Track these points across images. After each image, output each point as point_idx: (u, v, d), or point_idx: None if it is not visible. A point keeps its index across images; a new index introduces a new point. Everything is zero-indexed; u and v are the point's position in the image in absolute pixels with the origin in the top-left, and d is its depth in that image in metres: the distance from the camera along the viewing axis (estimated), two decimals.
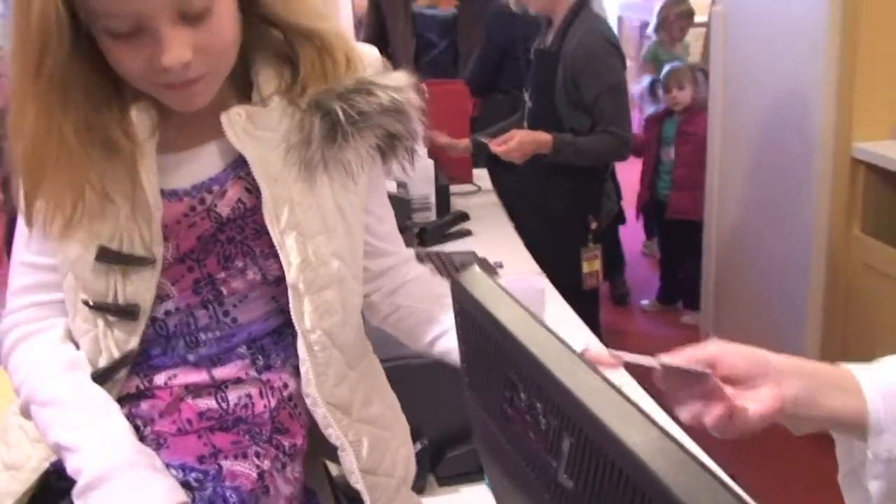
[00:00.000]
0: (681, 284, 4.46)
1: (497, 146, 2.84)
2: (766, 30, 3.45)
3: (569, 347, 0.72)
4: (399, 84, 1.08)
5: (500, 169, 3.16)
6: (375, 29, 4.04)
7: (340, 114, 1.04)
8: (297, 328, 1.07)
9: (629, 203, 4.95)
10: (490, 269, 2.27)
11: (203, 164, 1.06)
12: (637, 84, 5.01)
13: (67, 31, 0.92)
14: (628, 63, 6.16)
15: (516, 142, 2.81)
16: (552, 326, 0.75)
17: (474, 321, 0.82)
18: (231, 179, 1.06)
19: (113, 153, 1.01)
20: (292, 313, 1.06)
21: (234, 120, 1.03)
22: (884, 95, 3.10)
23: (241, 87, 1.07)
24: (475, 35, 3.72)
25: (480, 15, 3.81)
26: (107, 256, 1.03)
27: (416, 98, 1.09)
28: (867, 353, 1.02)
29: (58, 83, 0.95)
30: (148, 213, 1.02)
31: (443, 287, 1.25)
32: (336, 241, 1.08)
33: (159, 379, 1.08)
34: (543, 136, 2.80)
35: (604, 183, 3.05)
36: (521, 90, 3.17)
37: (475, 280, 0.82)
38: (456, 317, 0.87)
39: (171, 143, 1.05)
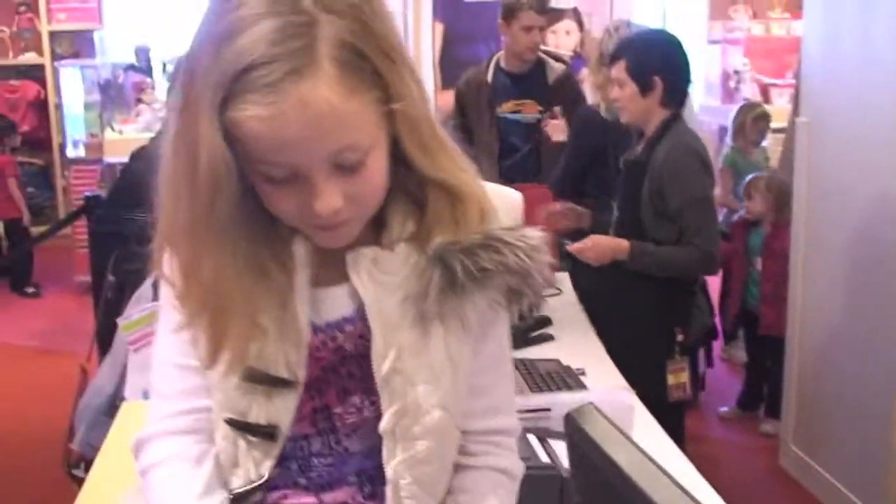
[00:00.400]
0: (764, 392, 4.36)
1: (574, 247, 2.83)
2: (854, 140, 3.40)
3: (688, 494, 0.68)
4: (530, 243, 1.07)
5: (580, 273, 3.12)
6: (460, 131, 4.08)
7: (460, 270, 1.04)
8: (385, 473, 1.07)
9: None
10: (574, 377, 2.22)
11: (340, 303, 1.08)
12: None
13: (235, 176, 0.96)
14: None
15: (592, 242, 2.82)
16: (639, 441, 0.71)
17: (589, 460, 0.79)
18: (359, 319, 1.08)
19: (267, 281, 1.05)
20: (383, 457, 1.07)
21: (360, 261, 1.06)
22: None
23: (374, 225, 1.08)
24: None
25: (567, 121, 3.83)
26: (253, 376, 1.05)
27: (545, 257, 1.08)
28: None
29: (229, 226, 0.99)
30: (297, 338, 1.06)
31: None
32: (442, 392, 1.07)
33: (271, 497, 1.09)
34: (622, 243, 2.79)
35: (692, 295, 2.97)
36: (608, 197, 3.14)
37: (590, 418, 0.79)
38: (569, 452, 0.84)
39: (316, 277, 1.08)
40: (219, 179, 0.94)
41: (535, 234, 1.09)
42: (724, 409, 4.48)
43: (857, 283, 3.42)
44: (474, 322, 1.07)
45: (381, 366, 1.05)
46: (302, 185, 0.96)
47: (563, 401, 1.63)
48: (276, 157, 0.94)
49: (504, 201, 1.11)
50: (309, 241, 1.06)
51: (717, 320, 5.01)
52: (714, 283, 4.82)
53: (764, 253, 4.19)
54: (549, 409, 1.58)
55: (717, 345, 5.11)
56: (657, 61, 2.83)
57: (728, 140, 5.33)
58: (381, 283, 1.05)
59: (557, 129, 3.78)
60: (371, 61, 0.94)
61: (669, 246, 2.81)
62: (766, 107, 6.81)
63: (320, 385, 1.09)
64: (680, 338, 2.87)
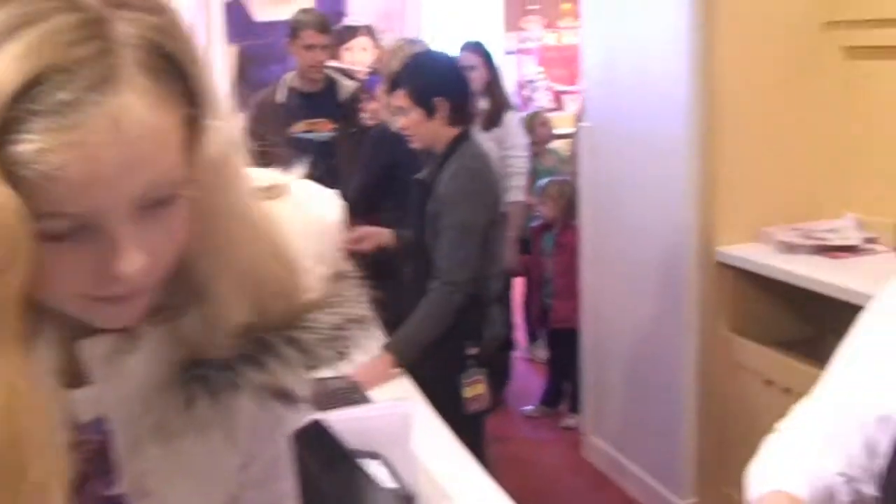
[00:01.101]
0: (565, 388, 4.54)
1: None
2: (631, 143, 3.59)
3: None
4: (315, 336, 0.86)
5: (379, 284, 3.15)
6: (254, 153, 4.05)
7: (213, 383, 0.84)
8: None
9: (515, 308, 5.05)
10: (360, 393, 2.26)
11: (80, 407, 0.84)
12: None
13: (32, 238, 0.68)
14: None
15: (361, 374, 2.51)
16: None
17: (311, 474, 0.81)
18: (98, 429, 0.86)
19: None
20: None
21: (96, 351, 0.82)
22: (743, 202, 3.26)
23: None
24: (354, 157, 3.75)
25: (359, 137, 3.85)
26: None
27: (346, 333, 0.88)
28: (742, 448, 1.07)
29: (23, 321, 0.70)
30: None
31: None
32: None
33: None
34: (385, 360, 2.61)
35: (484, 308, 2.93)
36: (404, 214, 3.15)
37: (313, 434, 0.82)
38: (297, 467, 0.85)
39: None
40: (13, 245, 0.66)
41: (329, 317, 0.88)
42: (529, 407, 4.64)
43: (639, 275, 3.62)
44: (243, 428, 0.89)
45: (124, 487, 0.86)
46: (91, 240, 0.70)
47: (345, 417, 1.67)
48: (73, 203, 0.67)
49: (315, 231, 0.93)
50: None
51: (523, 323, 5.20)
52: (519, 287, 4.99)
53: (554, 250, 4.39)
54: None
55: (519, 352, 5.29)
56: (436, 83, 2.86)
57: None
58: (121, 381, 0.83)
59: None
60: (181, 68, 0.72)
61: (418, 311, 2.76)
62: (560, 113, 7.13)
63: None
64: (472, 351, 2.85)
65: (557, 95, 7.92)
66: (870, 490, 1.06)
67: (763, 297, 3.22)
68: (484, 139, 4.43)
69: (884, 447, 1.01)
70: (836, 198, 3.33)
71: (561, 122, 6.20)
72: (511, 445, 4.30)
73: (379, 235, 3.19)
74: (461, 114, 2.90)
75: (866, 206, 3.23)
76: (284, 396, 0.87)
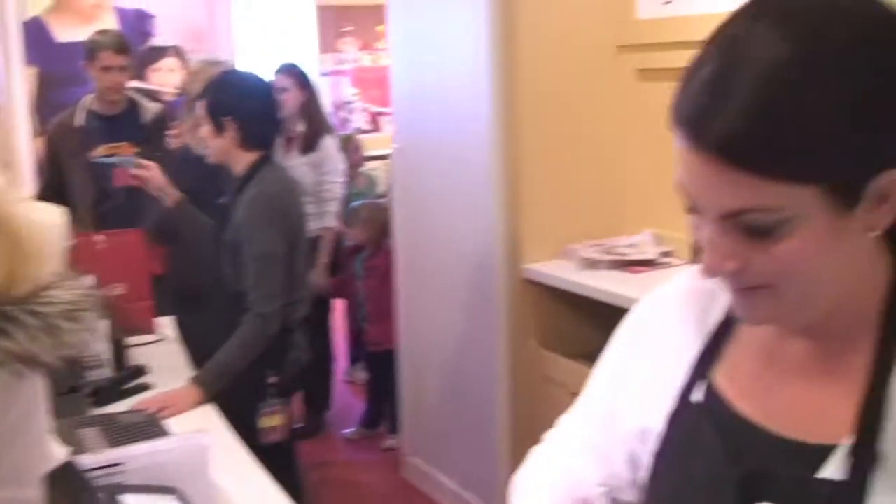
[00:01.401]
0: (384, 409, 4.54)
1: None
2: (439, 165, 3.64)
3: None
4: (55, 309, 1.07)
5: (186, 316, 3.08)
6: (54, 177, 3.90)
7: None
8: None
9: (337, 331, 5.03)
10: (158, 426, 2.19)
11: None
12: None
13: None
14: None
15: (165, 403, 2.46)
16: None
17: None
18: None
19: None
20: None
21: None
22: (547, 220, 3.36)
23: None
24: None
25: (164, 161, 3.75)
26: None
27: (81, 316, 1.10)
28: None
29: None
30: None
31: None
32: None
33: None
34: (192, 392, 2.54)
35: (288, 334, 2.88)
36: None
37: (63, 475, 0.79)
38: None
39: None
40: None
41: (65, 294, 1.06)
42: (349, 430, 4.62)
43: (452, 294, 3.66)
44: None
45: None
46: None
47: (138, 452, 1.61)
48: None
49: (45, 232, 1.10)
50: None
51: (344, 346, 5.18)
52: (339, 310, 4.96)
53: (365, 274, 4.38)
54: (121, 464, 1.55)
55: (341, 370, 5.27)
56: (230, 103, 2.81)
57: None
58: None
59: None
60: None
61: (230, 342, 2.71)
62: (378, 134, 7.15)
63: None
64: (272, 380, 2.81)
65: (374, 117, 7.94)
66: (629, 497, 1.10)
67: (569, 312, 3.33)
68: (300, 163, 4.40)
69: (645, 460, 1.05)
70: (635, 214, 3.47)
71: (379, 144, 6.21)
72: (333, 469, 4.27)
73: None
74: (255, 137, 2.83)
75: (663, 221, 3.38)
76: (30, 362, 1.03)
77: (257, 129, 2.84)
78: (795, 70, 0.77)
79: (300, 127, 4.52)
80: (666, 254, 3.22)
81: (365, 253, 4.40)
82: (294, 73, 4.65)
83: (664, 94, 3.30)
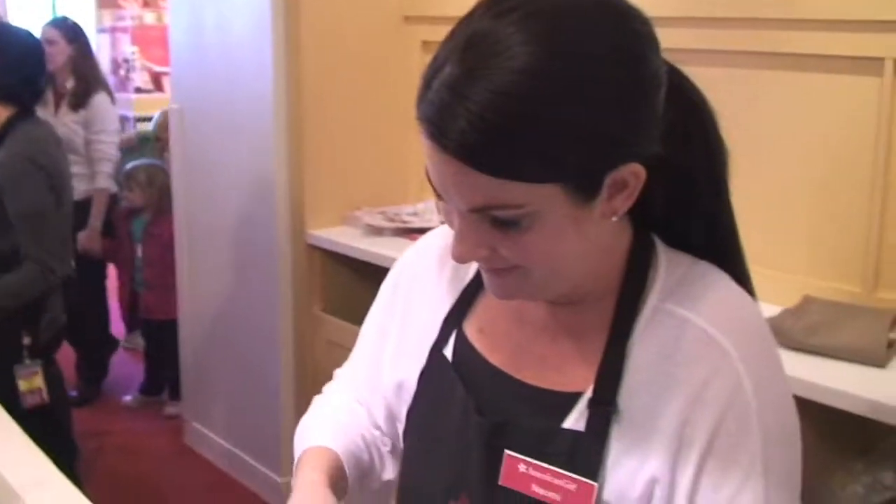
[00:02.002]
0: (165, 376, 4.45)
1: None
2: (221, 128, 3.58)
3: None
4: None
5: None
6: None
7: None
8: None
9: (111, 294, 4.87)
10: None
11: None
12: None
13: None
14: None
15: None
16: None
17: None
18: None
19: None
20: None
21: None
22: (330, 187, 3.38)
23: None
24: None
25: None
26: None
27: None
28: None
29: None
30: None
31: None
32: None
33: None
34: None
35: (44, 295, 2.79)
36: None
37: None
38: None
39: None
40: None
41: None
42: (128, 397, 4.50)
43: (235, 261, 3.63)
44: None
45: None
46: None
47: None
48: None
49: None
50: None
51: (119, 310, 5.03)
52: (112, 274, 4.81)
53: (144, 240, 4.26)
54: None
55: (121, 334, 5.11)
56: None
57: None
58: None
59: None
60: None
61: (7, 274, 2.65)
62: (160, 94, 6.91)
63: None
64: (27, 341, 2.72)
65: (156, 76, 7.68)
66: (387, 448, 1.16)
67: (353, 278, 3.37)
68: (70, 121, 4.22)
69: (402, 415, 1.10)
70: (417, 183, 3.55)
71: (160, 104, 6.01)
72: (112, 437, 4.16)
73: None
74: (6, 91, 2.70)
75: None
76: None
77: (8, 83, 2.70)
78: (532, 81, 0.79)
79: (69, 83, 4.32)
80: None
81: (145, 217, 4.27)
82: (63, 27, 4.43)
83: None
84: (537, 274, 0.90)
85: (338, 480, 1.08)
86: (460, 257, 0.90)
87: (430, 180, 0.88)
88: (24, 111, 2.74)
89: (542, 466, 0.93)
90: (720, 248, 0.99)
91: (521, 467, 0.94)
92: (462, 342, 1.05)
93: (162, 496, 3.67)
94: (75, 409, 3.84)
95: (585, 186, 0.85)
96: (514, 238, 0.86)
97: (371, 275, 3.28)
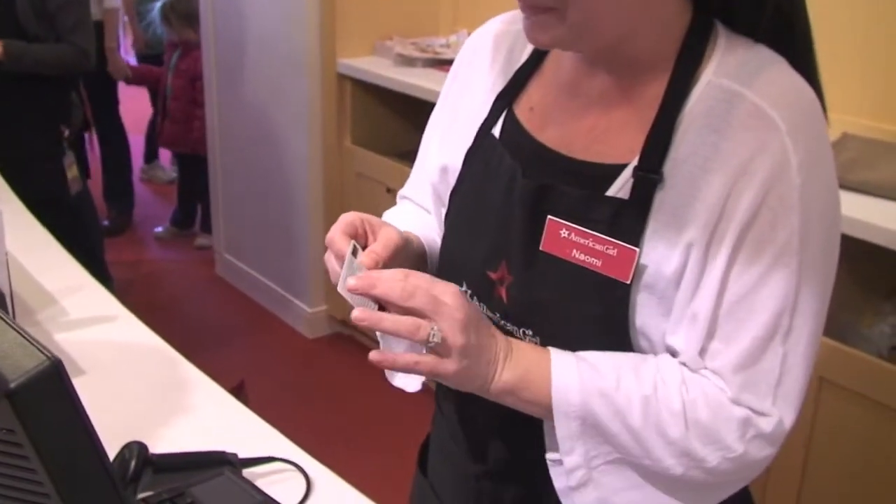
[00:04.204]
0: (196, 209, 4.49)
1: None
2: None
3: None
4: None
5: None
6: None
7: None
8: None
9: (139, 128, 4.86)
10: None
11: None
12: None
13: None
14: None
15: None
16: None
17: None
18: None
19: None
20: None
21: None
22: (362, 15, 3.30)
23: None
24: None
25: None
26: None
27: None
28: None
29: None
30: None
31: None
32: None
33: None
34: None
35: (70, 91, 3.07)
36: None
37: None
38: None
39: None
40: None
41: None
42: (159, 229, 4.56)
43: (264, 91, 3.59)
44: None
45: None
46: None
47: None
48: None
49: None
50: None
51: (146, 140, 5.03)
52: (138, 104, 4.77)
53: (174, 73, 4.23)
54: None
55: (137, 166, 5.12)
56: None
57: None
58: None
59: None
60: None
61: (45, 45, 2.85)
62: None
63: None
64: (66, 133, 2.98)
65: None
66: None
67: (382, 109, 3.34)
68: None
69: (445, 197, 1.11)
70: (450, 14, 3.47)
71: None
72: (144, 267, 4.23)
73: None
74: None
75: (477, 22, 3.37)
76: None
77: None
78: None
79: None
80: None
81: (178, 51, 4.22)
82: None
83: None
84: (571, 15, 0.89)
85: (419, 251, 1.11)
86: None
87: None
88: None
89: (583, 231, 0.93)
90: (784, 28, 0.97)
91: (563, 232, 0.95)
92: (511, 121, 1.04)
93: (195, 324, 3.76)
94: (107, 239, 3.91)
95: None
96: None
97: (401, 106, 3.25)
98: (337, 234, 0.98)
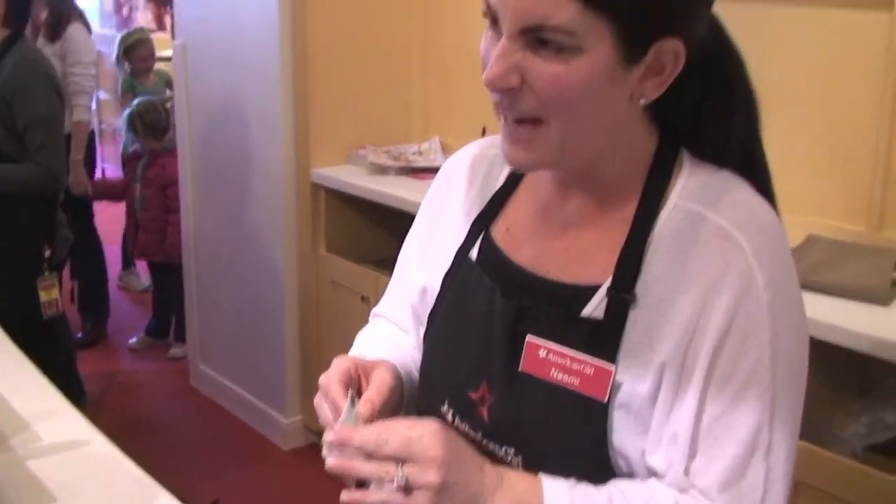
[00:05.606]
0: (170, 318, 4.48)
1: None
2: (225, 65, 3.55)
3: None
4: None
5: None
6: None
7: None
8: None
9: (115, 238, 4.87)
10: None
11: None
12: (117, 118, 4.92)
13: None
14: (106, 97, 5.99)
15: None
16: None
17: None
18: None
19: None
20: None
21: None
22: (335, 125, 3.36)
23: None
24: None
25: None
26: None
27: None
28: None
29: None
30: None
31: None
32: None
33: None
34: None
35: (56, 210, 3.05)
36: None
37: None
38: None
39: None
40: None
41: None
42: (133, 340, 4.52)
43: (239, 200, 3.62)
44: None
45: None
46: None
47: None
48: None
49: None
50: None
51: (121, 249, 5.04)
52: (116, 213, 4.78)
53: (142, 182, 4.25)
54: None
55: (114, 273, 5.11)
56: None
57: (115, 65, 5.21)
58: None
59: None
60: None
61: (10, 164, 2.86)
62: (163, 34, 6.84)
63: None
64: (48, 253, 2.96)
65: (159, 16, 7.62)
66: None
67: (356, 217, 3.37)
68: (48, 53, 4.15)
69: (424, 318, 1.14)
70: (422, 122, 3.53)
71: (163, 45, 5.94)
72: (117, 378, 4.19)
73: None
74: (17, 14, 2.91)
75: (449, 129, 3.46)
76: None
77: (21, 7, 2.92)
78: None
79: (44, 14, 4.27)
80: None
81: (144, 160, 4.26)
82: None
83: (452, 6, 3.41)
84: (555, 127, 0.92)
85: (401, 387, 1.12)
86: (492, 80, 0.91)
87: (486, 4, 0.91)
88: (16, 34, 2.87)
89: (561, 351, 0.96)
90: (746, 163, 1.01)
91: (542, 353, 0.98)
92: (488, 243, 1.08)
93: (168, 437, 3.71)
94: (81, 351, 3.89)
95: (635, 40, 0.89)
96: (551, 67, 0.89)
97: (376, 214, 3.28)
98: (333, 383, 1.00)
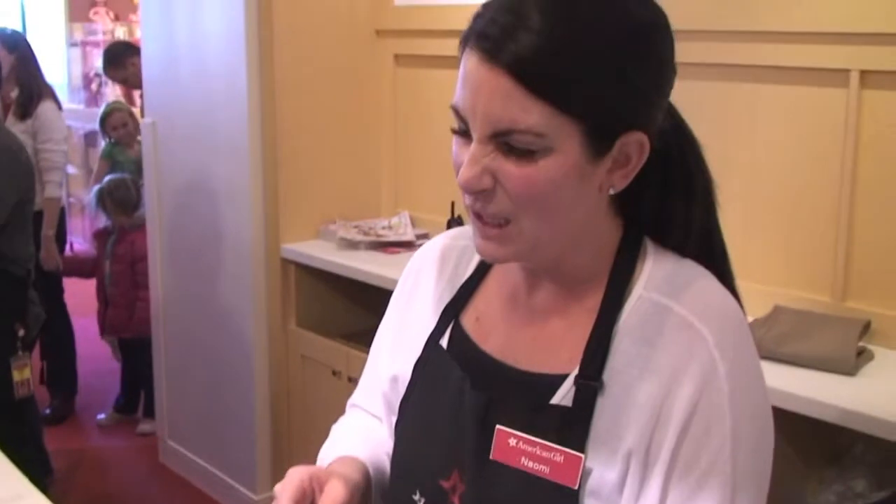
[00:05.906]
0: (139, 394, 4.43)
1: None
2: (195, 142, 3.57)
3: None
4: None
5: None
6: None
7: None
8: None
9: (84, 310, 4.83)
10: None
11: None
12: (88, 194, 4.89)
13: None
14: (76, 171, 5.97)
15: None
16: None
17: None
18: None
19: None
20: None
21: None
22: (304, 201, 3.38)
23: None
24: None
25: None
26: None
27: None
28: (312, 437, 1.15)
29: None
30: None
31: None
32: None
33: None
34: None
35: (26, 288, 3.03)
36: None
37: None
38: None
39: None
40: None
41: None
42: (101, 416, 4.47)
43: (209, 275, 3.62)
44: None
45: None
46: None
47: None
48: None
49: None
50: None
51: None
52: (85, 286, 4.75)
53: (111, 258, 4.24)
54: None
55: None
56: None
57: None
58: None
59: None
60: None
61: None
62: (132, 109, 6.86)
63: None
64: (21, 332, 2.93)
65: (128, 91, 7.65)
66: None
67: (327, 292, 3.37)
68: (18, 131, 4.17)
69: (396, 406, 1.14)
70: (391, 196, 3.56)
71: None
72: (86, 455, 4.13)
73: None
74: None
75: (419, 204, 3.48)
76: None
77: None
78: (595, 23, 0.89)
79: (14, 92, 4.30)
80: (422, 235, 3.32)
81: (113, 237, 4.25)
82: (1, 36, 4.41)
83: (419, 79, 3.47)
84: (527, 225, 0.94)
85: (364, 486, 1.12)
86: (467, 182, 0.93)
87: (455, 111, 0.94)
88: None
89: (531, 440, 0.97)
90: (706, 250, 1.05)
91: (512, 441, 0.98)
92: (458, 332, 1.10)
93: None
94: (49, 428, 3.83)
95: (601, 136, 0.92)
96: (522, 169, 0.91)
97: (345, 289, 3.29)
98: (283, 500, 0.99)
